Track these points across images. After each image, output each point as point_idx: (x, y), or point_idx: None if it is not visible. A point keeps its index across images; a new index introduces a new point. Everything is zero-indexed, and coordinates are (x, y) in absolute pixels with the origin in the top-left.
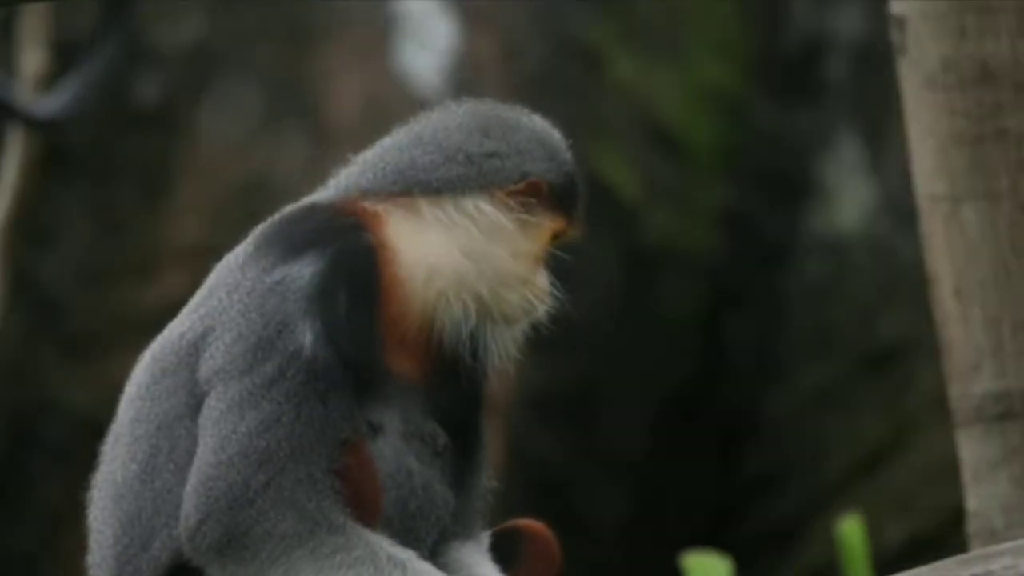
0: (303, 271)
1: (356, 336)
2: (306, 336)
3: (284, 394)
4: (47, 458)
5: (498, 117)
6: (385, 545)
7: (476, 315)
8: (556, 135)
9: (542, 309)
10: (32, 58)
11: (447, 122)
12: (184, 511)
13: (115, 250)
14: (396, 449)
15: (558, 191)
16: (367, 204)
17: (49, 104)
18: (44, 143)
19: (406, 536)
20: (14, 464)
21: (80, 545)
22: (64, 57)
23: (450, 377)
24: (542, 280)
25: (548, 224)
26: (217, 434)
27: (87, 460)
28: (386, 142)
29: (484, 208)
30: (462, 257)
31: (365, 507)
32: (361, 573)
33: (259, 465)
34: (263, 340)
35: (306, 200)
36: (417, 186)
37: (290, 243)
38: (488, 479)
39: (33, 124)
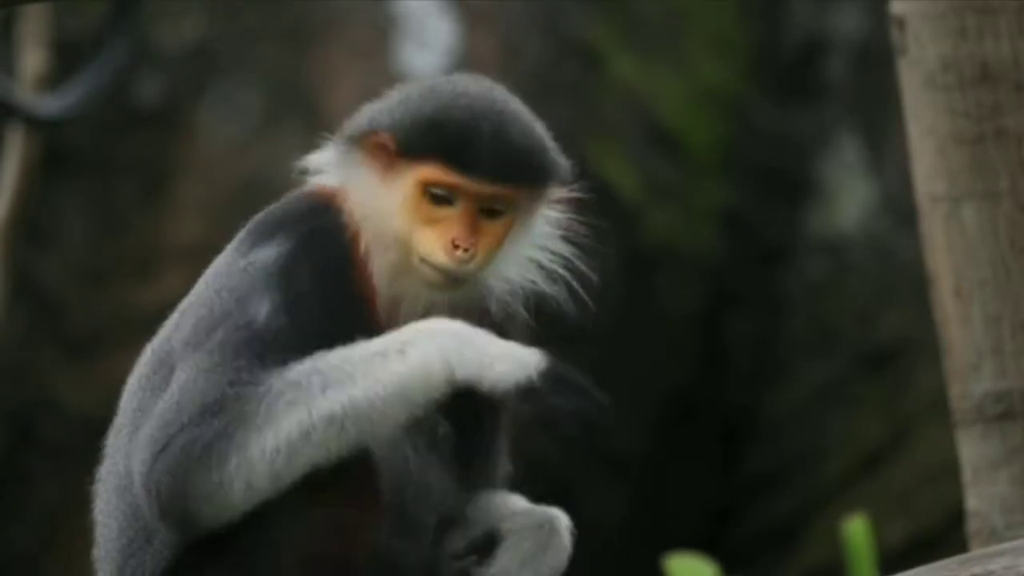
0: (270, 252)
1: (323, 313)
2: (262, 307)
3: (224, 356)
4: (47, 458)
5: (418, 84)
6: (295, 367)
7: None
8: (440, 85)
9: (438, 267)
10: (32, 58)
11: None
12: (135, 467)
13: (115, 250)
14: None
15: (409, 139)
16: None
17: (52, 104)
18: (44, 143)
19: (404, 522)
20: (14, 464)
21: (80, 544)
22: (65, 57)
23: None
24: (429, 237)
25: (412, 176)
26: (169, 396)
27: (87, 459)
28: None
29: (358, 172)
30: (376, 225)
31: (364, 500)
32: (289, 398)
33: (202, 402)
34: (223, 314)
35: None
36: (337, 158)
37: (264, 228)
38: (506, 463)
39: (34, 124)
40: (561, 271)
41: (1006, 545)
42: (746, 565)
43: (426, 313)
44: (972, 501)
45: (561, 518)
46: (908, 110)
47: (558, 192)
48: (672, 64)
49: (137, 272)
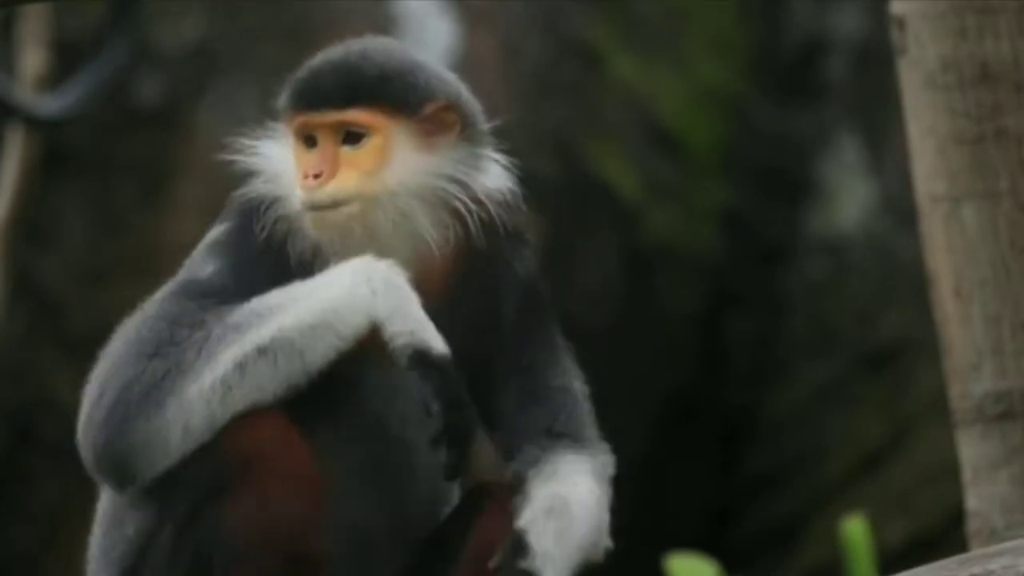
0: (217, 229)
1: (264, 280)
2: (207, 268)
3: (163, 305)
4: (47, 458)
5: None
6: (231, 312)
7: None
8: (318, 57)
9: (301, 204)
10: (32, 58)
11: None
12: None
13: (115, 250)
14: (368, 399)
15: (283, 101)
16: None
17: (51, 104)
18: (44, 143)
19: (383, 488)
20: (14, 464)
21: (80, 544)
22: (65, 57)
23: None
24: (300, 178)
25: (287, 132)
26: (109, 347)
27: None
28: None
29: (277, 146)
30: (282, 191)
31: (296, 485)
32: (220, 336)
33: (137, 350)
34: (170, 283)
35: None
36: None
37: (229, 207)
38: (572, 386)
39: (34, 124)
40: (461, 197)
41: (1006, 545)
42: (746, 565)
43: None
44: (972, 501)
45: (576, 490)
46: (908, 110)
47: (445, 117)
48: (672, 64)
49: (137, 272)
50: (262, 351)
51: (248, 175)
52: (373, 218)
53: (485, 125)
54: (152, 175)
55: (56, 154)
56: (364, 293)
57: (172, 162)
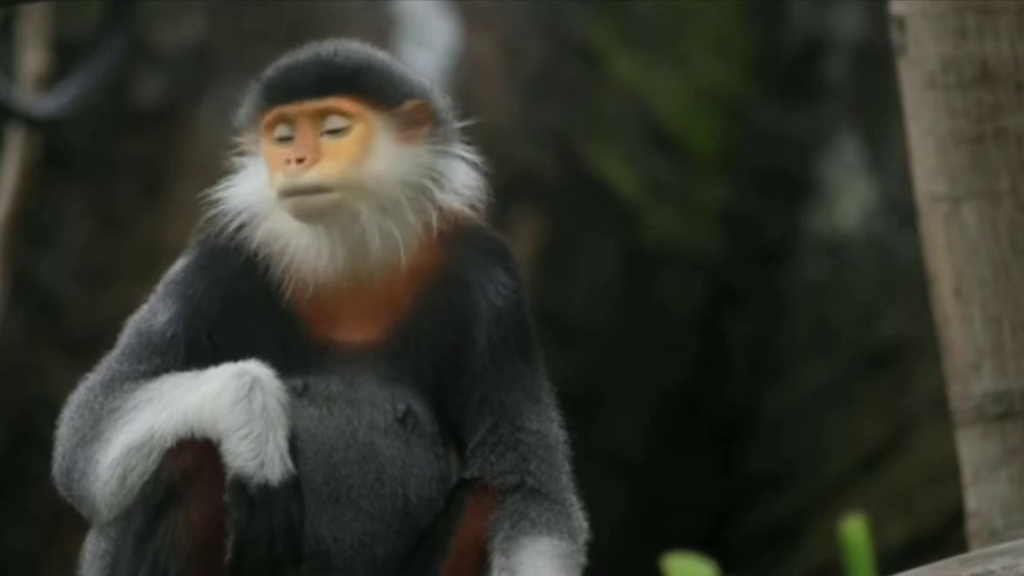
0: (177, 265)
1: (223, 315)
2: (162, 316)
3: (121, 357)
4: (47, 458)
5: None
6: (144, 385)
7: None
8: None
9: (280, 190)
10: (32, 58)
11: None
12: None
13: (115, 250)
14: (330, 413)
15: (253, 103)
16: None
17: (48, 103)
18: (44, 143)
19: (336, 504)
20: (14, 464)
21: (80, 544)
22: (64, 57)
23: (421, 335)
24: (279, 165)
25: (263, 124)
26: (84, 386)
27: None
28: None
29: (245, 163)
30: (252, 202)
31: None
32: (126, 418)
33: (75, 407)
34: (135, 320)
35: None
36: None
37: (189, 244)
38: (546, 437)
39: (33, 124)
40: (438, 193)
41: (1006, 545)
42: (746, 565)
43: (348, 270)
44: (972, 501)
45: None
46: (908, 110)
47: (421, 112)
48: (672, 64)
49: (137, 272)
50: (140, 446)
51: (216, 215)
52: (355, 207)
53: (456, 124)
54: (152, 175)
55: (56, 154)
56: (222, 404)
57: (172, 162)
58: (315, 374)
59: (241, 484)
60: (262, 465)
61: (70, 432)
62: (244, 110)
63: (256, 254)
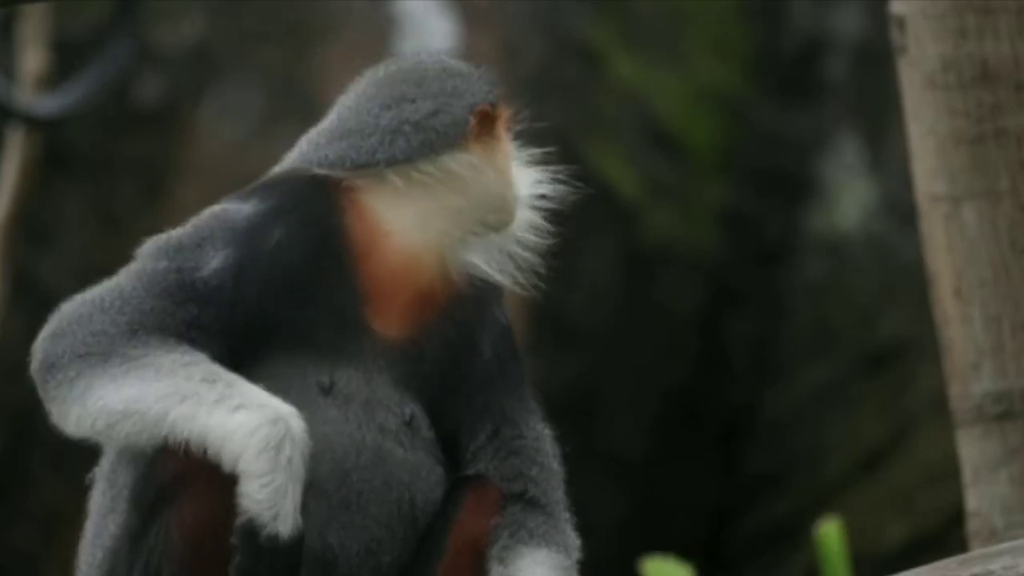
0: (245, 208)
1: (278, 275)
2: (211, 262)
3: (153, 287)
4: (47, 458)
5: (404, 77)
6: (177, 356)
7: (467, 243)
8: (450, 59)
9: (523, 204)
10: (32, 58)
11: (367, 102)
12: None
13: (115, 250)
14: (346, 416)
15: (495, 101)
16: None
17: (50, 104)
18: (44, 143)
19: (346, 510)
20: (14, 464)
21: (80, 545)
22: (64, 57)
23: (440, 340)
24: (518, 182)
25: (503, 130)
26: (94, 292)
27: (87, 459)
28: (329, 124)
29: (462, 158)
30: (452, 206)
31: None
32: (144, 375)
33: (92, 309)
34: (179, 245)
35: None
36: (380, 161)
37: (253, 188)
38: (547, 457)
39: (33, 124)
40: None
41: (1006, 545)
42: (746, 565)
43: (423, 249)
44: (972, 501)
45: None
46: (908, 110)
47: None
48: (672, 64)
49: None
50: (155, 423)
51: (315, 177)
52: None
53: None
54: (152, 175)
55: (56, 154)
56: (251, 446)
57: (172, 162)
58: (342, 366)
59: (252, 531)
60: (276, 517)
61: (75, 337)
62: (488, 111)
63: (341, 208)
